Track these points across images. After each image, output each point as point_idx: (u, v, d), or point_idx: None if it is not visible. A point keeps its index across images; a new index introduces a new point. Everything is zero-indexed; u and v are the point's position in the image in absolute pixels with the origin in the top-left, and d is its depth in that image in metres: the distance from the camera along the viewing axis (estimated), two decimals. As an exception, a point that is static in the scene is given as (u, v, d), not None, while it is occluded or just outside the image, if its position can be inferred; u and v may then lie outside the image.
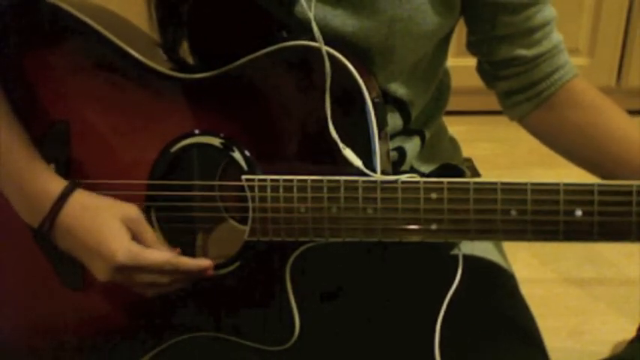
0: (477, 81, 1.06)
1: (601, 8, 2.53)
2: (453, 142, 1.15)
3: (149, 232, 0.90)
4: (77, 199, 0.90)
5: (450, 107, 1.09)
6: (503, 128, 1.32)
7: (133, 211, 0.91)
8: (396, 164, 0.99)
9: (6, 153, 0.91)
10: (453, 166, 0.88)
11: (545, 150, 1.05)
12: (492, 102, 1.06)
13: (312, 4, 0.87)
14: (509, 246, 1.12)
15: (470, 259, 0.99)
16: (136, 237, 0.89)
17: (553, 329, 1.81)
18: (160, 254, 0.88)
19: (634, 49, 2.57)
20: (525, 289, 1.06)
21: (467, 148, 1.17)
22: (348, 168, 0.85)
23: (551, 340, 1.00)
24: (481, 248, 1.06)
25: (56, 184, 0.91)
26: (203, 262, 0.90)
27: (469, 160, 1.16)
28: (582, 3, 2.53)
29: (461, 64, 1.22)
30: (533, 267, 2.05)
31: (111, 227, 0.89)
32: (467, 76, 1.06)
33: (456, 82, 1.14)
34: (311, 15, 0.86)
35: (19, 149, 0.92)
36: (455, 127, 1.17)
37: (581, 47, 2.57)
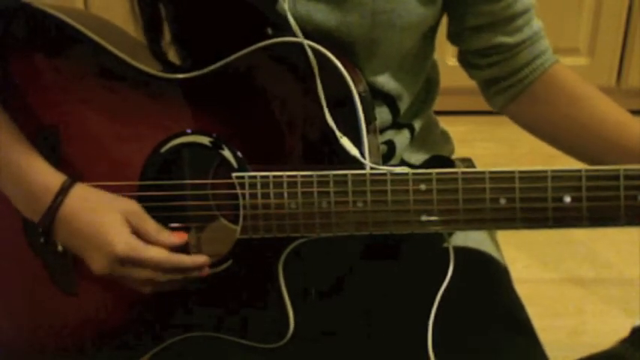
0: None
1: (601, 8, 2.53)
2: (444, 135, 1.14)
3: (150, 223, 0.90)
4: (78, 193, 0.91)
5: (450, 107, 1.09)
6: (504, 128, 1.32)
7: (133, 205, 0.91)
8: (386, 157, 1.00)
9: (3, 148, 0.91)
10: (442, 158, 0.88)
11: (545, 150, 1.04)
12: (492, 102, 1.06)
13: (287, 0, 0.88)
14: (509, 246, 1.12)
15: (463, 251, 1.00)
16: (137, 230, 0.89)
17: (553, 329, 1.81)
18: (159, 251, 0.88)
19: (634, 49, 2.58)
20: (525, 289, 1.06)
21: (467, 148, 1.17)
22: (340, 162, 0.85)
23: (551, 340, 1.00)
24: (475, 240, 1.06)
25: (56, 178, 0.91)
26: (199, 259, 0.90)
27: (469, 160, 1.16)
28: (582, 3, 2.53)
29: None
30: (533, 267, 2.06)
31: (111, 220, 0.89)
32: (466, 76, 1.06)
33: (456, 82, 1.13)
34: (286, 7, 0.86)
35: (16, 144, 0.92)
36: (455, 127, 1.17)
37: (581, 47, 2.58)
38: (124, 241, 0.87)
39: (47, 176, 0.91)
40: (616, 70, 2.61)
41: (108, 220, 0.89)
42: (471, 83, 1.06)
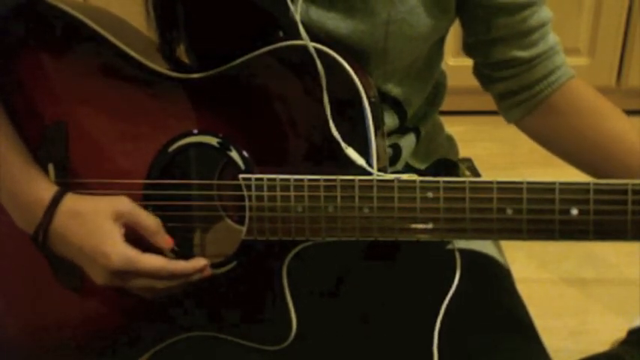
0: (476, 81, 1.06)
1: (601, 8, 2.53)
2: (449, 139, 1.14)
3: (145, 219, 0.90)
4: (66, 206, 0.90)
5: (450, 107, 1.09)
6: (504, 128, 1.33)
7: (122, 204, 0.90)
8: (391, 161, 1.00)
9: (1, 160, 0.91)
10: (448, 162, 0.87)
11: (545, 151, 1.04)
12: (492, 102, 1.06)
13: (299, 5, 0.87)
14: (509, 247, 1.12)
15: (466, 253, 0.99)
16: (133, 229, 0.89)
17: (553, 329, 1.81)
18: (156, 260, 0.88)
19: (634, 49, 2.58)
20: (525, 289, 1.06)
21: (467, 148, 1.17)
22: (347, 166, 0.85)
23: (551, 340, 1.00)
24: (478, 242, 1.05)
25: (47, 191, 0.91)
26: (198, 263, 0.90)
27: (469, 160, 1.16)
28: (582, 3, 2.54)
29: (460, 64, 1.22)
30: (533, 267, 2.05)
31: (103, 230, 0.88)
32: (466, 76, 1.06)
33: (455, 82, 1.13)
34: (297, 12, 0.86)
35: (13, 156, 0.92)
36: (455, 127, 1.17)
37: (581, 47, 2.58)
38: (118, 253, 0.87)
39: (39, 189, 0.91)
40: (616, 70, 2.61)
41: (101, 232, 0.88)
42: (471, 83, 1.07)
